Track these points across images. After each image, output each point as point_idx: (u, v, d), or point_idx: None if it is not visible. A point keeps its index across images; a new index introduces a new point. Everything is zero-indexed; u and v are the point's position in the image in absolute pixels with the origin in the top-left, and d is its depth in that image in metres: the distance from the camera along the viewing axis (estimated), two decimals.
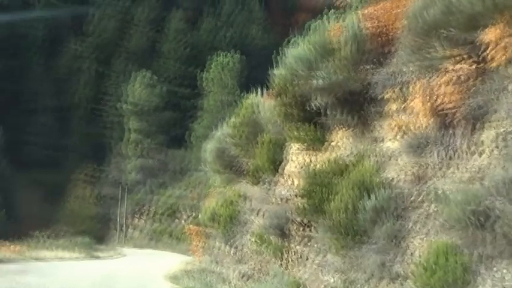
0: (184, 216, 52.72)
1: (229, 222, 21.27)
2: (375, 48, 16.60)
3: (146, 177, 62.58)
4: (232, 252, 21.81)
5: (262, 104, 21.91)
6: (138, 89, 61.51)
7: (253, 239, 20.54)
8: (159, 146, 62.85)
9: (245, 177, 22.22)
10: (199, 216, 30.52)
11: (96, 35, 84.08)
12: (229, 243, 21.84)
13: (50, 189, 74.75)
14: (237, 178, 23.08)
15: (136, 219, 61.61)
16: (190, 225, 30.95)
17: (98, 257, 41.49)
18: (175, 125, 73.06)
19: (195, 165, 59.88)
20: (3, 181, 62.19)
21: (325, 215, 16.05)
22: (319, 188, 16.68)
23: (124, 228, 62.94)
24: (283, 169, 20.06)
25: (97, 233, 67.02)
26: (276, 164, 20.44)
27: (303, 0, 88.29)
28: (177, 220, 53.72)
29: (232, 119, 23.67)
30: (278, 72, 19.00)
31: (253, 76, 74.12)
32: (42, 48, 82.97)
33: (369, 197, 14.52)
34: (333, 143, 18.04)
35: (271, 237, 19.47)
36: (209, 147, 24.74)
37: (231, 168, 23.33)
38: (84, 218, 70.04)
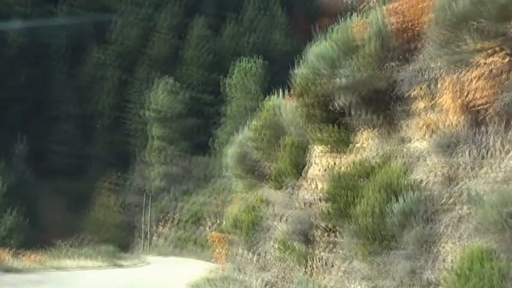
0: (209, 223, 52.09)
1: (251, 228, 20.51)
2: (401, 45, 15.85)
3: (170, 184, 62.10)
4: (255, 259, 21.07)
5: (284, 105, 21.16)
6: (160, 95, 61.08)
7: (276, 246, 19.79)
8: (183, 153, 62.34)
9: (267, 181, 21.45)
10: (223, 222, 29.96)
11: (118, 42, 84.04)
12: (251, 250, 21.06)
13: (74, 198, 74.62)
14: (259, 183, 22.31)
15: (161, 227, 61.08)
16: (213, 232, 30.26)
17: (121, 266, 40.83)
18: (199, 131, 72.61)
19: (219, 172, 59.30)
20: (26, 190, 61.95)
21: (350, 220, 15.32)
22: (344, 192, 15.95)
23: (148, 236, 62.47)
24: (307, 172, 19.30)
25: (121, 241, 66.86)
26: (299, 167, 19.68)
27: (326, 5, 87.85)
28: (201, 227, 53.08)
29: (254, 122, 22.91)
30: (299, 72, 18.27)
31: (276, 81, 73.36)
32: (65, 56, 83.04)
33: (397, 200, 13.76)
34: (357, 144, 17.29)
35: (294, 244, 18.69)
36: (230, 152, 23.96)
37: (253, 172, 22.56)
38: (109, 226, 69.87)
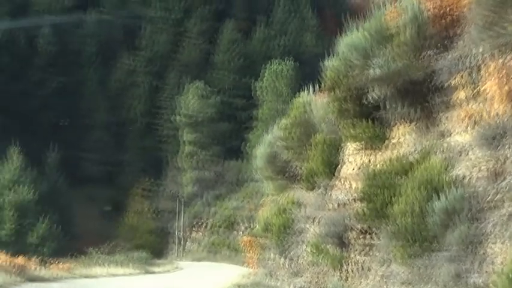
0: (242, 228, 51.10)
1: (282, 231, 19.32)
2: (438, 32, 14.69)
3: (203, 189, 61.19)
4: (287, 263, 19.94)
5: (315, 102, 20.06)
6: (191, 100, 60.21)
7: (308, 249, 18.63)
8: (215, 158, 61.42)
9: (299, 182, 20.32)
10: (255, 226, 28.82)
11: (148, 48, 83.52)
12: (283, 254, 19.88)
13: (107, 204, 74.18)
14: (290, 184, 21.17)
15: (194, 232, 60.23)
16: (244, 237, 29.10)
17: (152, 272, 39.79)
18: (231, 136, 71.70)
19: (251, 176, 58.37)
20: (59, 197, 61.47)
21: (388, 220, 14.21)
22: (380, 191, 14.83)
23: (182, 241, 61.67)
24: (340, 172, 18.16)
25: (155, 247, 66.19)
26: (331, 166, 18.52)
27: (357, 6, 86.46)
28: (234, 232, 52.08)
29: (283, 121, 21.74)
30: (330, 64, 17.15)
31: (307, 84, 72.51)
32: (95, 63, 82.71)
33: (438, 198, 12.63)
34: (394, 140, 16.13)
35: (328, 247, 17.52)
36: (259, 153, 22.72)
37: (284, 173, 21.40)
38: (142, 232, 69.30)
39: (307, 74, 68.92)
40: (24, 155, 57.69)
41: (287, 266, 19.92)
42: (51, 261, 35.85)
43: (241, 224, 51.89)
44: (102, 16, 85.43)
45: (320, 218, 18.14)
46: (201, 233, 58.65)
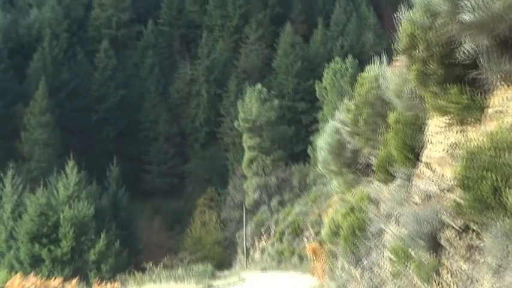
0: (307, 234, 47.10)
1: (354, 235, 14.95)
2: None
3: (267, 196, 57.51)
4: (360, 274, 15.65)
5: (387, 74, 15.70)
6: (249, 103, 56.53)
7: (388, 256, 14.25)
8: (278, 163, 57.67)
9: (371, 174, 15.85)
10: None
11: (207, 57, 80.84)
12: (355, 262, 15.50)
13: (171, 217, 72.13)
14: (361, 178, 16.75)
15: (259, 241, 56.46)
16: (309, 243, 24.38)
17: (213, 286, 35.72)
18: (293, 139, 68.56)
19: (317, 180, 54.48)
20: (120, 211, 58.64)
21: (498, 213, 9.93)
22: (484, 174, 10.54)
23: (248, 250, 57.95)
24: (425, 156, 13.78)
25: (220, 258, 64.20)
26: (413, 150, 14.00)
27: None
28: (300, 238, 48.10)
29: (348, 102, 17.23)
30: (407, 16, 12.87)
31: None
32: (155, 75, 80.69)
33: None
34: (496, 108, 11.74)
35: (415, 252, 13.08)
36: (321, 143, 17.96)
37: (352, 166, 16.90)
38: (207, 243, 66.55)
39: None
40: (85, 170, 55.13)
41: (360, 277, 15.63)
42: (99, 281, 32.56)
43: (307, 230, 47.80)
44: (160, 27, 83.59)
45: (402, 215, 13.76)
46: (265, 241, 54.79)
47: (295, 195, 56.53)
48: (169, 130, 78.19)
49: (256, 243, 56.59)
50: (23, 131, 68.33)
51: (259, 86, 58.78)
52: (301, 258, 45.95)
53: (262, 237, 55.32)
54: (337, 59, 59.89)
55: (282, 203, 56.46)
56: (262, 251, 53.92)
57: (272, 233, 53.25)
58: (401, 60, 13.71)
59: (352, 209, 15.60)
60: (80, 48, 78.70)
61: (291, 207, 53.20)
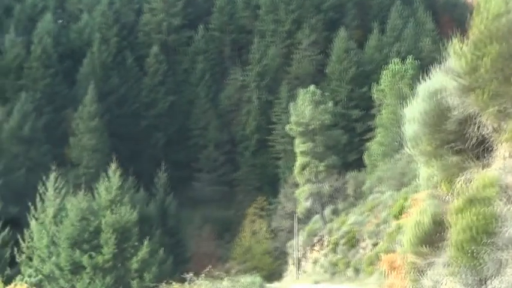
0: (363, 245, 42.54)
1: (474, 241, 9.69)
2: None
3: (320, 204, 53.02)
4: None
5: None
6: (301, 106, 52.18)
7: None
8: (332, 169, 53.16)
9: (488, 155, 10.56)
10: (398, 237, 19.41)
11: (259, 63, 77.06)
12: (478, 283, 9.92)
13: (220, 226, 68.81)
14: (469, 160, 11.30)
15: (311, 251, 52.03)
16: (384, 254, 18.58)
17: None
18: (346, 148, 64.18)
19: (373, 188, 50.02)
20: (167, 218, 55.04)
21: None
22: None
23: (299, 261, 53.55)
24: None
25: (270, 269, 60.11)
26: None
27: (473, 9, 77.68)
28: (356, 249, 43.57)
29: (459, 44, 11.27)
30: None
31: None
32: (205, 81, 77.51)
33: None
34: None
35: None
36: (409, 114, 12.28)
37: (456, 142, 11.35)
38: (257, 253, 62.77)
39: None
40: (133, 176, 51.85)
41: None
42: None
43: (362, 241, 43.21)
44: (211, 33, 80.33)
45: None
46: (318, 252, 50.31)
47: (350, 204, 52.00)
48: (219, 137, 74.63)
49: (308, 253, 52.21)
50: (71, 136, 65.71)
51: (312, 87, 54.44)
52: (356, 270, 41.43)
53: (314, 247, 50.90)
54: (396, 60, 55.35)
55: (335, 212, 52.00)
56: (315, 262, 49.48)
57: (325, 243, 48.78)
58: None
59: (470, 202, 10.54)
60: (130, 53, 75.91)
61: (345, 216, 48.72)
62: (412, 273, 12.69)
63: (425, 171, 12.54)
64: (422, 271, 12.34)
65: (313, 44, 77.47)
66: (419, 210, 12.52)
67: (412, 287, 12.58)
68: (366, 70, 73.03)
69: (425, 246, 11.65)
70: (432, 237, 11.77)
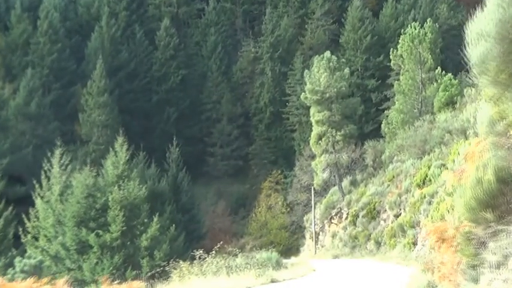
0: (384, 216, 39.44)
1: None
2: None
3: (337, 175, 49.89)
4: None
5: None
6: (320, 74, 48.86)
7: None
8: (349, 139, 49.98)
9: None
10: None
11: (272, 34, 73.73)
12: None
13: (235, 201, 66.21)
14: None
15: (330, 224, 49.04)
16: (432, 224, 14.34)
17: (274, 281, 27.66)
18: (364, 116, 61.34)
19: (393, 157, 46.78)
20: (180, 194, 52.08)
21: None
22: None
23: (317, 235, 50.61)
24: None
25: (287, 244, 57.85)
26: None
27: None
28: (377, 222, 40.45)
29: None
30: None
31: (446, 56, 61.78)
32: (217, 53, 74.20)
33: None
34: None
35: None
36: (476, 30, 8.49)
37: None
38: (273, 228, 60.11)
39: (445, 47, 57.66)
40: (145, 152, 49.08)
41: None
42: (120, 279, 25.99)
43: (385, 212, 40.07)
44: (223, 4, 77.15)
45: None
46: (336, 225, 47.28)
47: (369, 175, 48.82)
48: (233, 110, 71.63)
49: (326, 227, 49.21)
50: (80, 112, 62.79)
51: (327, 53, 51.10)
52: (378, 243, 38.36)
53: (332, 220, 47.86)
54: (414, 23, 51.70)
55: (354, 183, 48.89)
56: (333, 235, 46.47)
57: (344, 216, 45.71)
58: None
59: None
60: (139, 27, 72.73)
61: (364, 187, 45.59)
62: (468, 245, 9.33)
63: (488, 113, 9.06)
64: (483, 243, 9.05)
65: (326, 14, 74.17)
66: (478, 165, 9.04)
67: (469, 263, 9.23)
68: (382, 39, 69.59)
69: (488, 211, 8.35)
70: (497, 199, 8.39)
